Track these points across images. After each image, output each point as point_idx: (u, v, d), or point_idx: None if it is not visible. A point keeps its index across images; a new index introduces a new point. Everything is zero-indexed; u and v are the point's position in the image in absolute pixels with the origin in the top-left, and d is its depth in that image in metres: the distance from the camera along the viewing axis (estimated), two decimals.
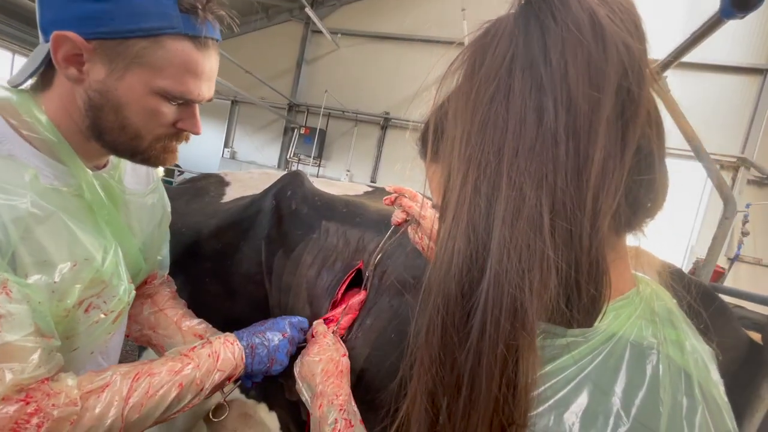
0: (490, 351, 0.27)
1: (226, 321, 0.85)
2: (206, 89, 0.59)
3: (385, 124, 7.21)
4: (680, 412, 0.28)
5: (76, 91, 0.55)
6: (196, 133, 0.62)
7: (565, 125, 0.27)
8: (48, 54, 0.52)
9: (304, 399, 0.69)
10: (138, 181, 0.71)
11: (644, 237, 0.34)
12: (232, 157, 8.26)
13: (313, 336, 0.76)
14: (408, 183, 1.22)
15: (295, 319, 0.77)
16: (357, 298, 0.82)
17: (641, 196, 0.31)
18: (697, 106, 5.34)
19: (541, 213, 0.27)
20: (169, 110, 0.57)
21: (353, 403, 0.64)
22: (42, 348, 0.48)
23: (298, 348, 0.77)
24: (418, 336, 0.32)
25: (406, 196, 0.80)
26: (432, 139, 0.39)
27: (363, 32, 7.34)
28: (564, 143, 0.27)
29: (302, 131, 7.46)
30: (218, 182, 1.19)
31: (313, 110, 7.60)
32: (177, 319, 0.77)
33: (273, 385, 0.85)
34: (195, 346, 0.64)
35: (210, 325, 0.79)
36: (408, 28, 6.95)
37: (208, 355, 0.64)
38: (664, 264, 0.93)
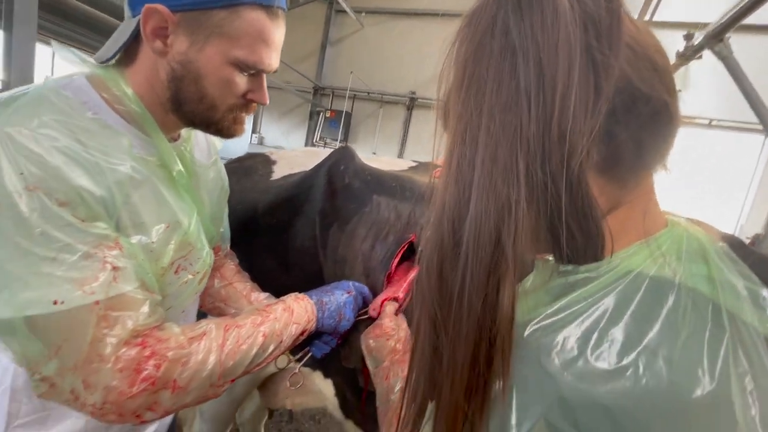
0: (474, 275, 0.32)
1: (283, 293, 0.89)
2: (275, 59, 0.61)
3: (411, 104, 7.10)
4: (701, 341, 0.29)
5: (159, 63, 0.57)
6: (264, 103, 0.64)
7: (536, 81, 0.31)
8: (135, 28, 0.55)
9: (369, 368, 0.74)
10: (201, 155, 0.75)
11: (668, 173, 0.37)
12: (260, 142, 8.37)
13: (379, 313, 0.80)
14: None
15: (358, 284, 0.81)
16: (411, 274, 0.84)
17: (643, 135, 0.33)
18: (757, 71, 4.96)
19: (515, 160, 0.31)
20: (241, 81, 0.59)
21: None
22: (149, 300, 0.53)
23: (360, 319, 0.80)
24: (420, 272, 0.37)
25: None
26: (446, 110, 0.42)
27: (388, 9, 7.17)
28: (534, 97, 0.31)
29: (328, 114, 7.46)
30: (265, 161, 1.22)
31: (339, 93, 7.57)
32: (246, 292, 0.81)
33: (328, 353, 0.89)
34: (270, 304, 0.69)
35: (275, 298, 0.82)
36: (434, 2, 6.74)
37: (283, 309, 0.68)
38: (723, 235, 0.89)
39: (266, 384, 1.20)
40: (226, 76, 0.58)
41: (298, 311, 0.70)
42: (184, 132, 0.69)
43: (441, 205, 0.34)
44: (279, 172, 1.15)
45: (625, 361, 0.29)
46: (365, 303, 0.83)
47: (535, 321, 0.33)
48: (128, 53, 0.59)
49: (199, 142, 0.75)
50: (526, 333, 0.33)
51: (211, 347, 0.55)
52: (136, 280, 0.51)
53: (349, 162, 0.93)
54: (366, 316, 0.82)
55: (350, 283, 0.81)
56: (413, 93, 7.02)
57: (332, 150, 1.01)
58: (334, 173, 0.91)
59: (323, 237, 0.90)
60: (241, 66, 0.58)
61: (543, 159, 0.31)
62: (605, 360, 0.29)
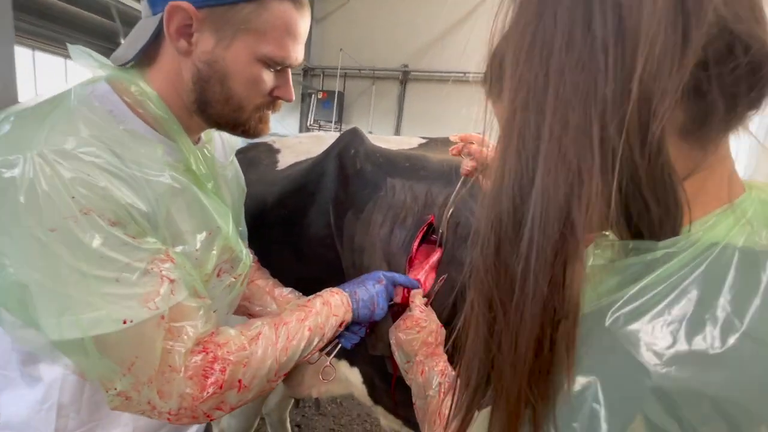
0: (539, 255, 0.29)
1: (301, 285, 0.86)
2: (301, 52, 0.58)
3: (404, 78, 6.93)
4: None
5: (182, 64, 0.54)
6: (289, 100, 0.61)
7: (614, 32, 0.26)
8: (157, 27, 0.52)
9: (398, 363, 0.72)
10: (218, 155, 0.72)
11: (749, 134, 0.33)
12: None
13: (403, 300, 0.78)
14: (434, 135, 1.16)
15: (389, 273, 0.79)
16: (434, 256, 0.81)
17: (738, 90, 0.29)
18: None
19: (590, 124, 0.27)
20: (268, 78, 0.57)
21: (450, 368, 0.67)
22: (203, 307, 0.54)
23: (390, 307, 0.79)
24: (474, 250, 0.34)
25: (473, 143, 0.76)
26: (494, 75, 0.37)
27: None
28: (612, 50, 0.26)
29: (320, 96, 7.29)
30: (268, 150, 1.17)
31: (329, 72, 7.38)
32: (269, 289, 0.81)
33: (358, 343, 0.87)
34: (309, 299, 0.70)
35: (300, 293, 0.82)
36: None
37: (322, 303, 0.69)
38: None
39: (291, 374, 1.19)
40: (254, 74, 0.55)
41: (335, 303, 0.70)
42: (204, 134, 0.67)
43: (499, 179, 0.31)
44: (284, 161, 1.11)
45: (726, 346, 0.26)
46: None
47: (616, 307, 0.30)
48: (148, 54, 0.55)
49: (215, 141, 0.72)
50: (608, 321, 0.30)
51: (267, 345, 0.58)
52: (187, 289, 0.52)
53: (359, 145, 0.89)
54: (391, 303, 0.80)
55: (380, 273, 0.79)
56: (406, 66, 6.83)
57: (339, 134, 0.96)
58: (345, 158, 0.87)
59: (338, 226, 0.87)
60: (268, 62, 0.55)
61: (621, 123, 0.27)
62: (704, 346, 0.26)
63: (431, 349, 0.69)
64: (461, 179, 0.78)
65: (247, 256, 0.66)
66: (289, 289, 0.82)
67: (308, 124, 7.60)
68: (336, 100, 7.11)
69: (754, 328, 0.26)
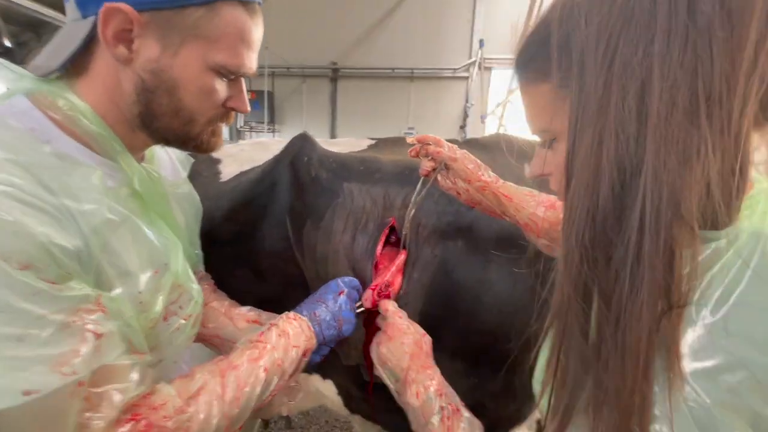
0: (650, 242, 0.28)
1: (262, 304, 0.81)
2: (255, 60, 0.54)
3: (335, 75, 6.84)
4: None
5: (122, 74, 0.47)
6: (244, 111, 0.56)
7: (720, 10, 0.27)
8: (89, 32, 0.45)
9: (388, 385, 0.66)
10: (166, 173, 0.65)
11: None
12: None
13: (373, 304, 0.74)
14: (368, 133, 1.16)
15: (347, 278, 0.75)
16: (400, 258, 0.80)
17: None
18: None
19: (697, 102, 0.27)
20: (221, 87, 0.52)
21: (446, 383, 0.62)
22: (138, 365, 0.45)
23: (358, 315, 0.76)
24: (566, 242, 0.33)
25: (430, 144, 0.76)
26: (557, 56, 0.35)
27: None
28: (720, 27, 0.27)
29: (248, 96, 6.93)
30: (208, 160, 1.08)
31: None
32: (225, 310, 0.73)
33: (327, 355, 0.84)
34: (262, 332, 0.61)
35: (261, 311, 0.76)
36: None
37: (278, 335, 0.61)
38: None
39: None
40: (206, 84, 0.50)
41: (294, 333, 0.62)
42: (148, 152, 0.60)
43: (593, 164, 0.30)
44: (227, 171, 1.03)
45: None
46: (360, 296, 0.78)
47: (697, 299, 0.29)
48: (77, 62, 0.48)
49: (161, 158, 0.65)
50: (696, 315, 0.29)
51: (211, 401, 0.49)
52: (121, 343, 0.43)
53: (311, 152, 0.85)
54: (361, 310, 0.78)
55: (338, 281, 0.75)
56: (335, 63, 6.75)
57: (275, 136, 0.92)
58: (299, 166, 0.83)
59: (297, 237, 0.83)
60: (221, 71, 0.50)
61: (725, 99, 0.27)
62: None
63: (421, 362, 0.62)
64: (421, 180, 0.78)
65: (198, 294, 0.58)
66: (248, 307, 0.75)
67: (239, 126, 7.20)
68: (266, 100, 6.81)
69: None
